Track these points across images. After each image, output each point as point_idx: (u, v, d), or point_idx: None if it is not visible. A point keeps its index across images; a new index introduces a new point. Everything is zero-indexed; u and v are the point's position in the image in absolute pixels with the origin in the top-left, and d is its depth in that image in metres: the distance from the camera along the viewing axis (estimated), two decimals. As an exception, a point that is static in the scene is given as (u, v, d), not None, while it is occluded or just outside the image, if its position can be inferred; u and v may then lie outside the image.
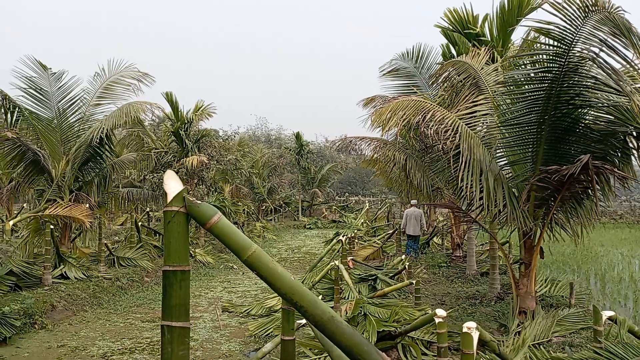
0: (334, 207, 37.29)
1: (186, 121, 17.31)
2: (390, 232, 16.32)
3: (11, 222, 11.38)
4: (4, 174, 13.22)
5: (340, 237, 10.62)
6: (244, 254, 2.29)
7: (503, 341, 6.15)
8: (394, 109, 6.51)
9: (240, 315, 9.62)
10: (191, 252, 16.21)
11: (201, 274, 14.45)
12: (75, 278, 11.17)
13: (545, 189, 6.34)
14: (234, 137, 21.94)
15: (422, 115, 6.47)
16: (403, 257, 9.93)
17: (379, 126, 6.53)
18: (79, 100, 13.00)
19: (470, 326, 3.30)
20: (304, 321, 6.01)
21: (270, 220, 32.03)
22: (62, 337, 8.22)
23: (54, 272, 10.96)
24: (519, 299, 6.80)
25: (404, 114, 6.45)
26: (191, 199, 2.27)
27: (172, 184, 2.28)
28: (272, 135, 68.11)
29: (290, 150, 35.74)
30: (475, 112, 7.16)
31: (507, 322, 6.79)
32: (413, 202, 13.94)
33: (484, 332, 3.72)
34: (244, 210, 25.84)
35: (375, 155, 14.43)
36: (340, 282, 8.66)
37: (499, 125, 6.79)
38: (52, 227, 10.71)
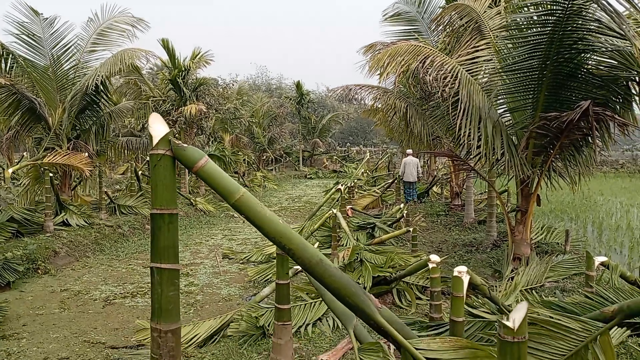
0: (335, 157, 37.27)
1: (183, 69, 17.02)
2: (390, 181, 16.36)
3: (10, 170, 11.38)
4: (2, 122, 13.06)
5: (339, 186, 10.63)
6: (232, 197, 2.27)
7: (496, 286, 6.26)
8: (393, 54, 6.35)
9: (240, 261, 9.77)
10: (192, 200, 16.33)
11: (202, 222, 14.61)
12: (77, 225, 11.30)
13: (544, 137, 6.28)
14: (233, 85, 21.58)
15: (421, 61, 6.32)
16: (402, 205, 9.98)
17: (377, 72, 6.40)
18: (73, 47, 12.71)
19: (460, 270, 3.33)
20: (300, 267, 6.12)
21: (271, 170, 32.12)
22: (65, 282, 8.40)
23: (55, 219, 11.08)
24: (514, 245, 6.87)
25: (403, 60, 6.30)
26: (177, 142, 2.24)
27: (158, 127, 2.24)
28: (273, 85, 67.22)
29: (290, 99, 35.34)
30: (476, 57, 6.99)
31: (502, 268, 6.89)
32: (409, 151, 14.63)
33: (474, 276, 3.77)
34: (244, 159, 25.86)
35: (375, 104, 14.29)
36: (338, 230, 8.75)
37: (500, 71, 6.64)
38: (51, 175, 10.73)
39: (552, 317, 3.63)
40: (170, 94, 17.44)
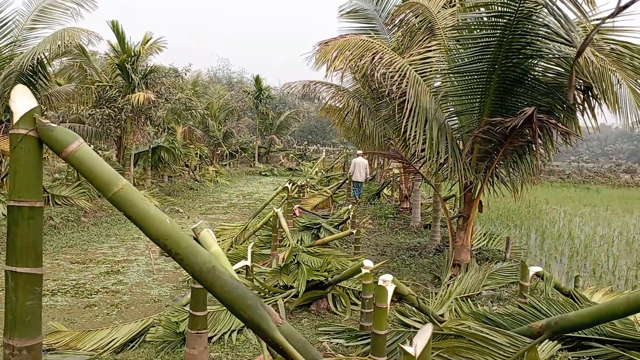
0: (292, 155, 36.92)
1: (133, 54, 16.27)
2: (341, 181, 16.20)
3: None
4: None
5: (286, 184, 10.34)
6: (109, 190, 1.93)
7: (434, 293, 6.11)
8: (341, 47, 6.10)
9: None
10: (135, 193, 15.64)
11: (144, 216, 14.00)
12: (3, 215, 10.53)
13: (489, 142, 6.17)
14: (185, 74, 20.88)
15: (370, 57, 6.09)
16: (350, 207, 9.77)
17: (324, 65, 6.13)
18: (10, 22, 11.87)
19: (385, 279, 3.09)
20: (234, 267, 5.77)
21: (225, 165, 31.47)
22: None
23: (-22, 208, 10.31)
24: (454, 251, 6.76)
25: (351, 54, 6.05)
26: (44, 120, 1.87)
27: (21, 102, 1.87)
28: (234, 78, 66.20)
29: (249, 94, 34.74)
30: (427, 58, 6.83)
31: (442, 275, 6.77)
32: (359, 152, 14.93)
33: (401, 286, 3.55)
34: (197, 153, 25.16)
35: (330, 102, 14.07)
36: (279, 230, 8.45)
37: (449, 72, 6.50)
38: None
39: (480, 331, 3.45)
40: (117, 80, 16.65)
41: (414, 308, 4.85)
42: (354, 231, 7.86)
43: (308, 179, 18.19)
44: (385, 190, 16.33)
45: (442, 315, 4.65)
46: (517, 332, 3.46)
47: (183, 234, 2.02)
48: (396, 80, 5.93)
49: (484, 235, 8.81)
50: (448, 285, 6.30)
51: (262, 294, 5.63)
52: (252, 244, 6.32)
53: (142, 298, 7.11)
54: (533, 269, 4.68)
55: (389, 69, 6.01)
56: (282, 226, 7.54)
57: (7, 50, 11.99)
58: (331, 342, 4.72)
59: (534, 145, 5.74)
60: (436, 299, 5.46)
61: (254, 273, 6.58)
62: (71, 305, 6.64)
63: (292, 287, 5.79)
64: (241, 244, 9.23)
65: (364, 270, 4.35)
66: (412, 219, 11.08)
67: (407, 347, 1.57)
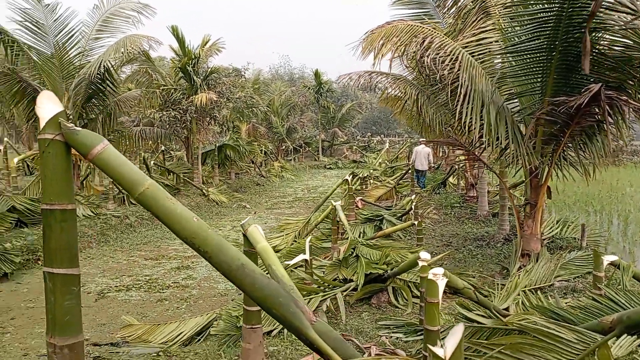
0: (355, 147, 36.73)
1: (193, 57, 16.75)
2: (404, 171, 15.89)
3: (16, 160, 11.34)
4: (8, 111, 13.03)
5: (346, 177, 10.25)
6: (135, 190, 1.93)
7: (502, 285, 5.81)
8: (387, 34, 5.90)
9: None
10: (204, 190, 16.15)
11: (213, 213, 14.42)
12: (83, 215, 11.20)
13: (553, 123, 5.77)
14: (245, 73, 21.25)
15: (419, 42, 5.86)
16: (413, 197, 9.54)
17: (371, 53, 5.95)
18: (77, 34, 12.55)
19: (436, 272, 2.93)
20: (293, 261, 5.77)
21: (290, 160, 31.83)
22: (62, 274, 8.26)
23: (60, 210, 11.01)
24: (522, 241, 6.40)
25: (399, 40, 5.85)
26: (68, 124, 1.89)
27: (47, 107, 1.90)
28: (295, 74, 66.83)
29: (309, 88, 34.87)
30: (482, 39, 6.48)
31: (510, 265, 6.43)
32: (422, 140, 14.48)
33: (454, 279, 3.36)
34: (261, 150, 25.60)
35: (389, 92, 13.81)
36: (340, 223, 8.39)
37: (506, 52, 6.13)
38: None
39: (546, 327, 3.21)
40: (181, 83, 17.22)
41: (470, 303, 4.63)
42: (416, 222, 7.64)
43: (371, 171, 18.00)
44: (451, 179, 15.84)
45: (507, 309, 4.40)
46: (586, 327, 3.19)
47: (211, 232, 1.99)
48: (447, 64, 5.66)
49: (557, 223, 8.29)
50: (518, 276, 5.97)
51: (321, 287, 5.59)
52: (309, 237, 6.30)
53: (209, 292, 7.31)
54: (607, 258, 4.31)
55: (439, 53, 5.75)
56: (341, 219, 7.47)
57: (76, 60, 12.71)
58: (390, 337, 4.60)
59: (604, 125, 5.30)
60: (502, 292, 5.18)
61: (313, 267, 6.57)
62: (144, 300, 6.94)
63: (352, 280, 5.71)
64: (304, 238, 9.27)
65: (420, 263, 4.18)
66: (479, 208, 10.64)
67: (435, 349, 1.45)
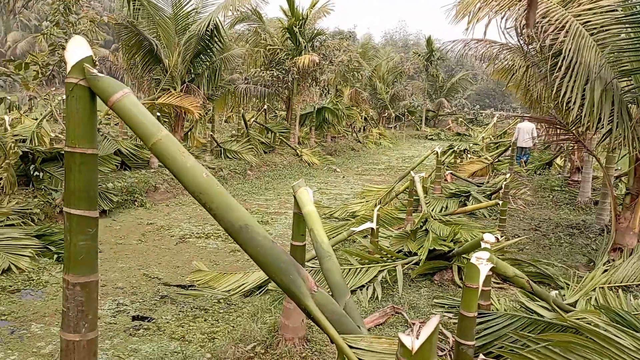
0: (461, 119, 35.21)
1: (301, 18, 16.81)
2: (504, 148, 14.95)
3: (127, 108, 12.23)
4: (125, 61, 13.98)
5: (436, 149, 9.85)
6: (148, 140, 1.95)
7: (581, 277, 5.31)
8: (486, -3, 5.43)
9: (323, 216, 9.58)
10: (298, 151, 16.45)
11: (302, 174, 14.68)
12: (181, 165, 11.93)
13: (671, 106, 5.03)
14: (349, 36, 20.96)
15: (521, 6, 5.34)
16: (507, 175, 8.95)
17: (465, 17, 5.51)
18: (192, -9, 13.07)
19: (480, 256, 2.71)
20: (359, 228, 5.71)
21: (391, 128, 31.32)
22: (155, 216, 8.91)
23: (162, 157, 11.80)
24: (616, 233, 5.76)
25: (497, 4, 5.36)
26: (92, 69, 1.94)
27: (76, 51, 1.96)
28: (411, 41, 65.06)
29: (419, 55, 33.72)
30: (598, 8, 5.74)
31: (597, 258, 5.84)
32: (525, 116, 13.51)
33: (503, 265, 3.08)
34: (364, 116, 25.39)
35: (498, 62, 12.94)
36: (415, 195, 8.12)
37: (625, 23, 5.39)
38: (158, 114, 11.33)
39: (604, 329, 2.88)
40: (287, 44, 17.42)
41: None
42: (500, 202, 7.19)
43: (471, 145, 17.17)
44: (558, 160, 14.65)
45: (574, 304, 4.00)
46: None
47: (219, 189, 1.96)
48: (551, 33, 5.10)
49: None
50: (605, 271, 5.43)
51: (382, 258, 5.48)
52: (379, 206, 6.16)
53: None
54: None
55: (544, 19, 5.19)
56: (417, 191, 7.22)
57: (190, 16, 13.28)
58: (443, 316, 4.42)
59: None
60: (576, 286, 4.73)
61: (382, 236, 6.46)
62: (219, 249, 7.29)
63: (416, 254, 5.54)
64: (383, 206, 9.13)
65: (483, 245, 3.91)
66: (581, 194, 9.74)
67: (404, 337, 1.32)
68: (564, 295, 4.76)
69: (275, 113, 24.75)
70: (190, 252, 7.05)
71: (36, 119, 11.05)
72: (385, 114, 31.55)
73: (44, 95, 9.81)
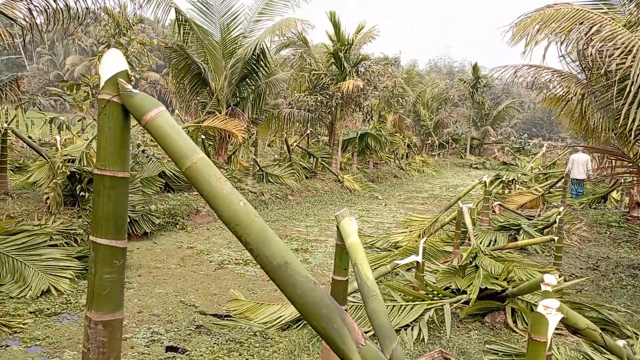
0: (507, 148, 34.26)
1: (347, 43, 16.81)
2: (556, 180, 14.26)
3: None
4: (174, 84, 14.24)
5: (484, 178, 9.42)
6: (183, 163, 1.76)
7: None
8: (545, 19, 5.13)
9: (365, 245, 9.27)
10: (339, 177, 16.24)
11: (344, 200, 14.44)
12: (223, 188, 11.89)
13: None
14: (394, 62, 20.79)
15: (584, 30, 5.01)
16: (561, 209, 8.43)
17: (522, 39, 5.21)
18: (241, 15, 13.28)
19: (548, 305, 2.38)
20: (403, 261, 5.40)
21: (434, 155, 30.78)
22: (195, 240, 8.82)
23: (204, 179, 11.80)
24: (691, 280, 5.21)
25: (558, 27, 5.05)
26: (127, 85, 1.78)
27: (110, 66, 1.80)
28: (455, 68, 64.69)
29: (465, 82, 33.23)
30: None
31: (668, 307, 5.30)
32: (580, 146, 12.97)
33: (574, 316, 2.71)
34: (407, 142, 25.03)
35: (550, 89, 12.48)
36: (462, 227, 7.72)
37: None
38: (202, 137, 11.39)
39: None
40: (331, 69, 17.43)
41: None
42: (556, 238, 6.71)
43: (519, 175, 16.52)
44: (614, 194, 13.84)
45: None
46: None
47: (257, 221, 1.74)
48: (617, 57, 4.74)
49: None
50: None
51: (428, 295, 5.13)
52: (425, 238, 5.83)
53: (320, 279, 7.21)
54: None
55: (608, 43, 4.84)
56: (466, 223, 6.83)
57: (237, 41, 13.47)
58: (497, 365, 4.03)
59: None
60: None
61: (427, 270, 6.10)
62: (257, 277, 7.08)
63: (465, 292, 5.16)
64: (426, 237, 8.75)
65: (543, 287, 3.53)
66: (643, 231, 9.09)
67: None
68: (633, 346, 4.29)
69: (318, 138, 24.71)
70: (228, 279, 6.88)
71: (87, 140, 11.31)
72: (429, 141, 31.06)
73: (94, 115, 10.03)
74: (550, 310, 2.38)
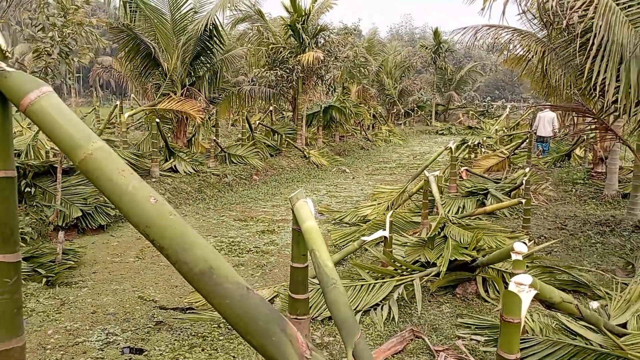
0: (472, 112, 34.44)
1: (304, 13, 16.28)
2: (523, 139, 14.29)
3: (126, 115, 11.80)
4: (123, 65, 13.57)
5: (450, 144, 9.26)
6: (76, 154, 1.43)
7: (624, 284, 4.72)
8: (503, -27, 4.88)
9: (333, 221, 9.06)
10: (305, 152, 15.93)
11: (310, 176, 14.16)
12: (184, 172, 11.45)
13: None
14: (355, 31, 20.36)
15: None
16: (526, 170, 8.35)
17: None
18: (189, -11, 12.60)
19: (520, 281, 2.16)
20: (370, 237, 5.18)
21: (401, 124, 30.69)
22: (155, 229, 8.42)
23: (164, 165, 11.32)
24: (658, 233, 5.16)
25: (517, -20, 4.80)
26: (1, 64, 1.42)
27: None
28: (417, 34, 64.45)
29: (427, 48, 33.02)
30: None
31: (636, 261, 5.24)
32: (546, 105, 13.06)
33: (548, 290, 2.51)
34: (372, 113, 24.78)
35: (511, 50, 12.33)
36: (439, 195, 7.56)
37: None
38: (157, 120, 10.87)
39: None
40: (290, 41, 16.91)
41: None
42: (524, 200, 6.61)
43: (484, 138, 16.52)
44: (577, 151, 13.96)
45: (625, 325, 3.43)
46: None
47: (172, 219, 1.44)
48: (579, 8, 4.53)
49: None
50: (644, 278, 4.83)
51: (397, 270, 4.93)
52: (391, 212, 5.62)
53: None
54: None
55: (569, -5, 4.62)
56: (433, 192, 6.66)
57: (187, 17, 12.81)
58: (471, 339, 3.86)
59: None
60: (622, 296, 4.15)
61: (397, 244, 5.92)
62: (222, 263, 6.78)
63: (435, 265, 4.98)
64: (396, 209, 8.58)
65: (514, 257, 3.35)
66: (607, 187, 9.10)
67: None
68: (606, 307, 4.19)
69: (283, 114, 24.24)
70: (190, 267, 6.54)
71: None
72: (394, 110, 30.91)
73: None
74: (523, 288, 2.16)
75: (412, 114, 32.70)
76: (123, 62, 13.34)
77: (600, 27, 4.53)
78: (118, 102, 15.12)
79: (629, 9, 5.07)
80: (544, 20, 5.20)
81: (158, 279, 6.14)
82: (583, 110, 5.73)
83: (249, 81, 19.69)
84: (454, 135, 28.38)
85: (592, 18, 4.55)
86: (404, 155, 19.98)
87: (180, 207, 9.96)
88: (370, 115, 24.02)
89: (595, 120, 5.63)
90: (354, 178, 14.18)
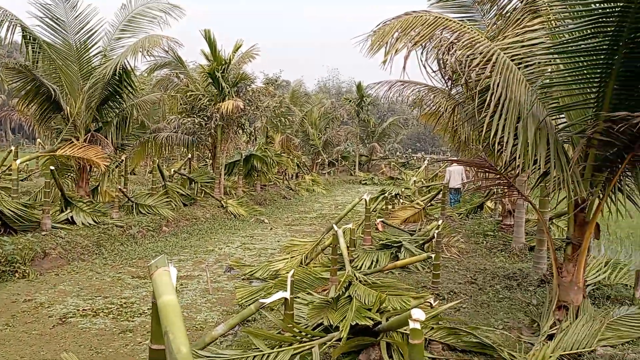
0: (393, 164, 35.36)
1: (224, 62, 16.06)
2: (435, 192, 14.55)
3: (18, 162, 10.77)
4: (21, 110, 12.59)
5: (364, 196, 9.12)
6: None
7: (530, 344, 4.55)
8: (405, 27, 4.81)
9: (243, 277, 8.50)
10: (223, 202, 15.33)
11: (226, 227, 13.53)
12: (83, 224, 10.50)
13: (610, 146, 4.50)
14: (276, 81, 20.41)
15: (444, 37, 4.75)
16: (439, 222, 8.31)
17: (381, 49, 4.87)
18: (100, 33, 12.03)
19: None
20: (269, 300, 4.71)
21: (325, 174, 30.82)
22: (37, 289, 7.47)
23: (59, 216, 10.33)
24: (560, 289, 5.09)
25: (418, 34, 4.75)
26: None
27: None
28: (343, 88, 66.45)
29: (350, 101, 33.87)
30: (526, 40, 5.26)
31: (541, 319, 5.13)
32: (453, 159, 13.81)
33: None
34: (297, 162, 24.66)
35: (424, 105, 12.64)
36: (349, 250, 7.27)
37: (552, 52, 4.91)
38: (52, 168, 9.99)
39: None
40: (209, 89, 16.55)
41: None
42: (433, 255, 6.44)
43: (403, 189, 16.73)
44: (489, 203, 14.38)
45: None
46: None
47: None
48: (476, 65, 4.51)
49: (605, 265, 6.86)
50: (549, 336, 4.70)
51: (297, 337, 4.48)
52: (292, 271, 5.21)
53: (187, 323, 6.27)
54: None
55: (468, 51, 4.61)
56: (341, 247, 6.35)
57: (95, 59, 12.17)
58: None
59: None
60: (528, 358, 3.94)
61: (300, 304, 5.48)
62: (107, 329, 6.02)
63: (337, 328, 4.58)
64: (308, 263, 8.20)
65: (412, 325, 3.03)
66: (515, 240, 9.25)
67: None
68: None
69: (206, 162, 23.56)
70: (67, 337, 5.73)
71: None
72: (319, 160, 31.08)
73: None
74: None
75: (337, 164, 33.03)
76: (20, 105, 12.33)
77: (498, 85, 4.52)
78: (13, 148, 13.92)
79: (527, 69, 5.17)
80: (445, 76, 5.18)
81: (25, 351, 5.30)
82: (486, 165, 5.72)
83: (172, 128, 19.00)
84: (377, 185, 28.78)
85: (490, 76, 4.54)
86: (326, 205, 19.83)
87: (73, 264, 9.01)
88: (294, 165, 23.88)
89: (499, 176, 5.62)
90: (272, 229, 13.71)
